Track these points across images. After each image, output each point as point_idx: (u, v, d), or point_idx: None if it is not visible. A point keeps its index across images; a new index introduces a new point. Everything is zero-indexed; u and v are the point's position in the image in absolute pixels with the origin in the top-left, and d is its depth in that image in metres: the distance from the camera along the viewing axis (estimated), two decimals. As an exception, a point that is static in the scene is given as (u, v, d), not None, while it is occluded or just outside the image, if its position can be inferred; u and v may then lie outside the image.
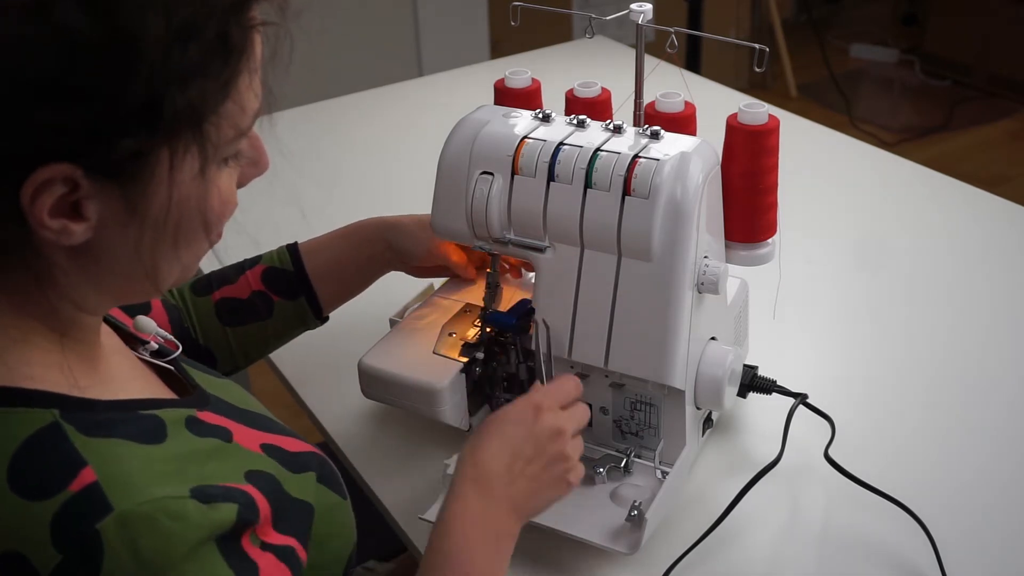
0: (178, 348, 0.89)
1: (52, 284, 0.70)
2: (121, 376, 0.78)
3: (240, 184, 0.77)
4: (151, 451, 0.71)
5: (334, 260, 1.16)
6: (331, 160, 1.82)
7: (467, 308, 1.17)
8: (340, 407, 1.23)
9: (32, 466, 0.67)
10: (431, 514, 1.01)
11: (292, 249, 1.15)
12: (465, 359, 1.09)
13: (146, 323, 0.89)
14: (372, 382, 1.10)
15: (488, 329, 1.10)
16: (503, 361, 1.11)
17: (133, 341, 0.87)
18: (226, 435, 0.79)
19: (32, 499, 0.66)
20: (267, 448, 0.82)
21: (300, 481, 0.82)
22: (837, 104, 3.92)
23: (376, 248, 1.18)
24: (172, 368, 0.86)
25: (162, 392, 0.82)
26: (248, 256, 1.15)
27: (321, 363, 1.27)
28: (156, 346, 0.87)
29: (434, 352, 1.10)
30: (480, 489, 0.85)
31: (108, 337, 0.81)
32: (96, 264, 0.70)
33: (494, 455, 0.86)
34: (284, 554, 0.75)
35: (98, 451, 0.68)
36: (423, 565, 0.84)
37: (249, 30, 0.69)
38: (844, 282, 1.45)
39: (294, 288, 1.14)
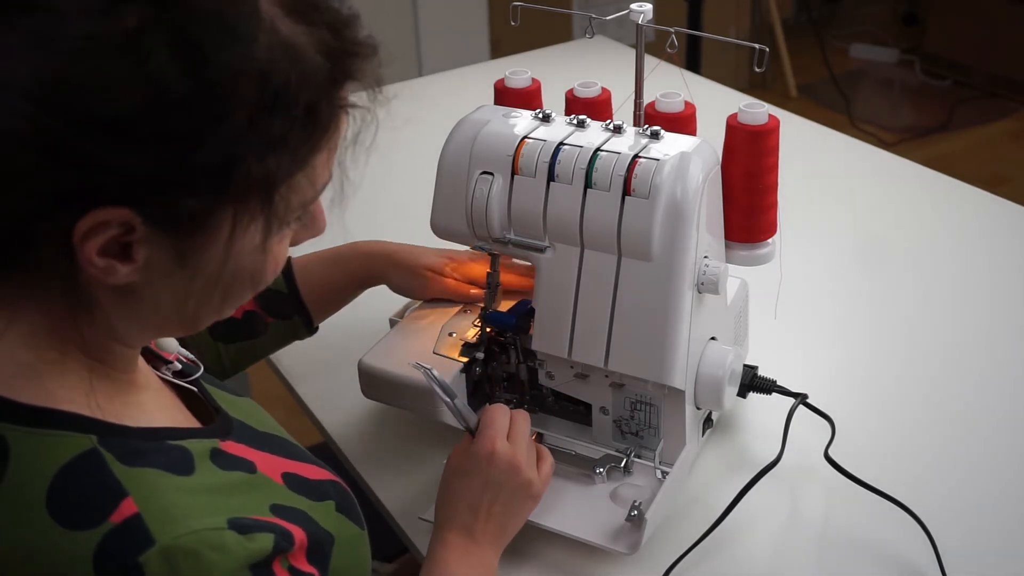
0: (200, 368, 0.87)
1: (91, 316, 0.70)
2: (148, 402, 0.77)
3: (292, 244, 0.76)
4: (183, 482, 0.70)
5: (328, 282, 1.17)
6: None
7: (467, 308, 1.17)
8: (340, 407, 1.23)
9: (72, 493, 0.66)
10: (431, 514, 1.01)
11: (285, 269, 1.14)
12: (465, 359, 1.09)
13: (168, 342, 0.88)
14: (372, 382, 1.10)
15: (488, 329, 1.10)
16: (503, 361, 1.11)
17: (154, 359, 0.86)
18: (250, 467, 0.78)
19: (73, 528, 0.65)
20: (288, 477, 0.81)
21: (322, 510, 0.81)
22: (837, 104, 3.92)
23: (370, 275, 1.19)
24: (194, 389, 0.85)
25: (186, 418, 0.81)
26: None
27: (321, 363, 1.27)
28: (179, 366, 0.86)
29: (434, 352, 1.10)
30: (459, 533, 0.93)
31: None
32: (137, 303, 0.69)
33: (461, 511, 0.93)
34: None
35: (137, 481, 0.67)
36: None
37: (337, 108, 0.69)
38: (844, 282, 1.45)
39: (287, 309, 1.14)
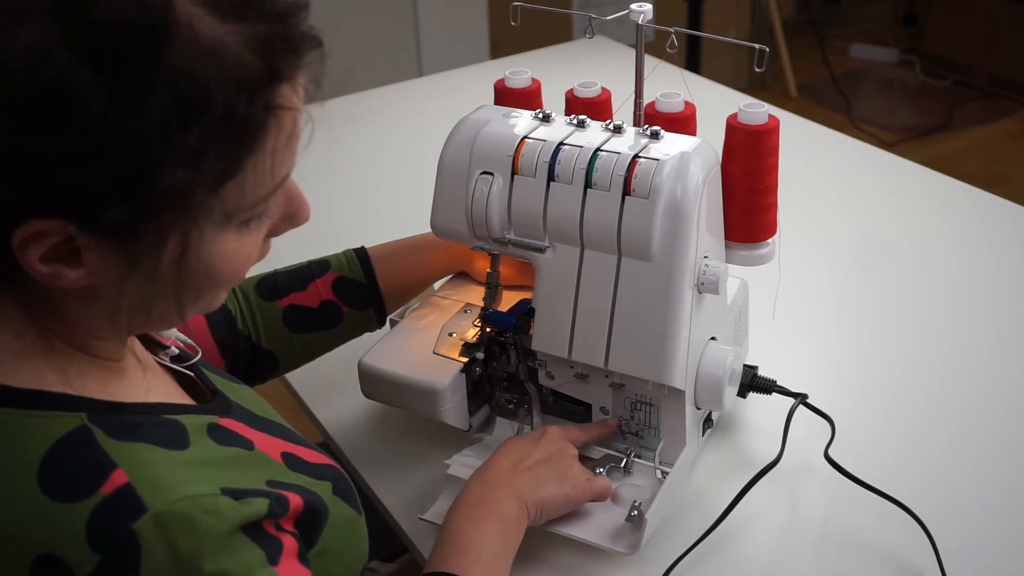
0: (198, 353, 0.87)
1: (57, 315, 0.70)
2: (142, 382, 0.78)
3: (273, 235, 0.75)
4: (176, 456, 0.71)
5: (404, 271, 1.17)
6: (331, 160, 1.82)
7: (467, 308, 1.17)
8: (340, 407, 1.23)
9: (62, 469, 0.67)
10: (431, 514, 1.02)
11: (362, 258, 1.15)
12: (465, 359, 1.09)
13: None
14: (372, 382, 1.10)
15: (488, 329, 1.10)
16: (503, 361, 1.11)
17: (152, 344, 0.86)
18: (248, 444, 0.78)
19: (64, 501, 0.66)
20: (287, 457, 0.81)
21: (320, 487, 0.82)
22: (837, 104, 3.92)
23: (456, 263, 1.19)
24: (191, 374, 0.86)
25: (183, 398, 0.81)
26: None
27: (321, 363, 1.27)
28: (176, 351, 0.87)
29: (434, 352, 1.10)
30: (483, 480, 0.96)
31: (129, 341, 0.81)
32: (99, 303, 0.69)
33: (499, 460, 0.98)
34: (298, 540, 0.76)
35: (127, 454, 0.68)
36: (431, 557, 0.90)
37: (265, 112, 0.65)
38: (844, 282, 1.45)
39: (365, 299, 1.14)
